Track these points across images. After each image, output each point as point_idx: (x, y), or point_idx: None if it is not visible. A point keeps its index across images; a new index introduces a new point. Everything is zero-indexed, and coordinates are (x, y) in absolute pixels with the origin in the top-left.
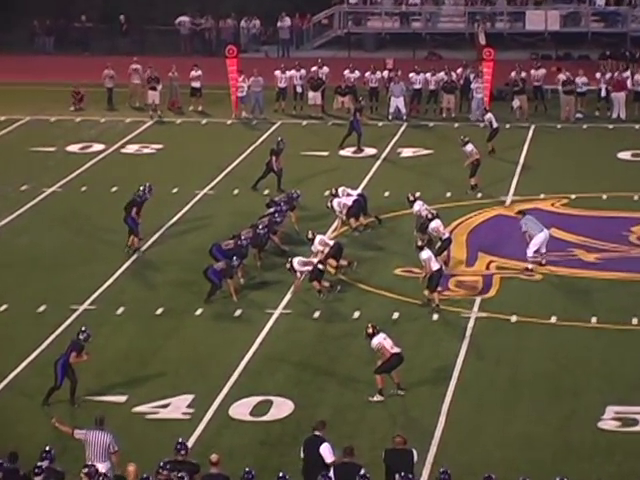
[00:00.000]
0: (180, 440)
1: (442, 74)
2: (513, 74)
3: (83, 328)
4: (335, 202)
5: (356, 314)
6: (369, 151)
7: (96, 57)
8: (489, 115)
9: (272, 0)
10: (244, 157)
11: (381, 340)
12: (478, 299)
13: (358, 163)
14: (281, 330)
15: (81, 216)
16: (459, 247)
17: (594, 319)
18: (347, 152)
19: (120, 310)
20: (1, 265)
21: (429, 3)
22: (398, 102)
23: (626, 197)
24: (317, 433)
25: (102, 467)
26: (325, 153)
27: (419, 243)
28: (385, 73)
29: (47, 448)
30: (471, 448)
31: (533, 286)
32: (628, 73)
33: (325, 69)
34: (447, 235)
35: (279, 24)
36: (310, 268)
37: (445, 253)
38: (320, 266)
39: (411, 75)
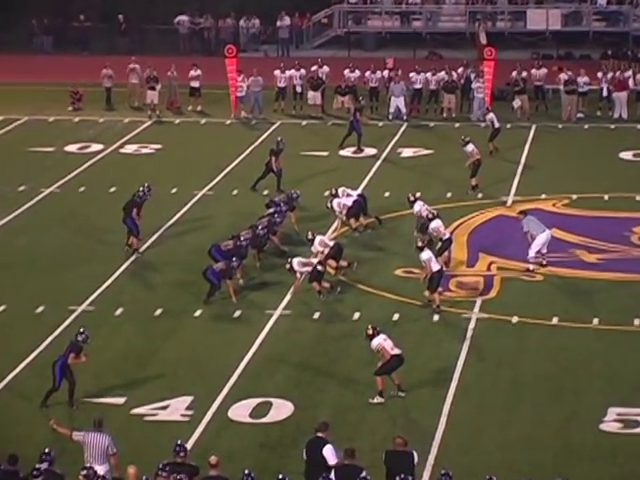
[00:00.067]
0: (179, 442)
1: (443, 74)
2: (514, 74)
3: (81, 329)
4: (335, 202)
5: (356, 315)
6: (369, 151)
7: (95, 57)
8: (491, 115)
9: None
10: (243, 157)
11: (381, 341)
12: (479, 300)
13: (358, 163)
14: (281, 331)
15: (79, 216)
16: (460, 248)
17: (596, 320)
18: (347, 152)
19: (119, 311)
20: None
21: (430, 2)
22: (398, 102)
23: (628, 197)
24: (320, 434)
25: (101, 469)
26: (325, 153)
27: (419, 244)
28: (385, 73)
29: (47, 450)
30: (472, 450)
31: (534, 287)
32: (630, 73)
33: (325, 69)
34: (448, 235)
35: (278, 23)
36: (310, 269)
37: (446, 254)
38: (319, 267)
39: (411, 75)
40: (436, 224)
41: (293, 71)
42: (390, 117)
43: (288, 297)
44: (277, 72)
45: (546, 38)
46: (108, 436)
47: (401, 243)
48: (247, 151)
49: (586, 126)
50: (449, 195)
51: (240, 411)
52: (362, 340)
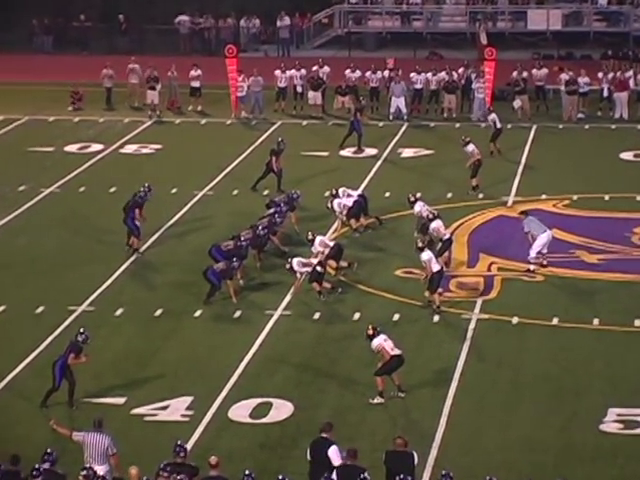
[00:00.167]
0: (179, 442)
1: (443, 74)
2: (514, 74)
3: (82, 329)
4: (335, 203)
5: (356, 315)
6: (370, 151)
7: (95, 56)
8: (493, 115)
9: None
10: (244, 157)
11: (381, 342)
12: (479, 300)
13: (358, 163)
14: (281, 331)
15: (80, 217)
16: (460, 248)
17: (596, 321)
18: (347, 152)
19: (119, 311)
20: None
21: (430, 2)
22: (399, 102)
23: (628, 198)
24: (324, 435)
25: (101, 469)
26: (325, 153)
27: (420, 244)
28: (386, 73)
29: (49, 450)
30: (472, 450)
31: (535, 287)
32: (631, 73)
33: (326, 69)
34: (448, 236)
35: (278, 23)
36: (310, 269)
37: (446, 254)
38: (319, 268)
39: (412, 75)
40: (436, 224)
41: (293, 71)
42: (390, 117)
43: (288, 297)
44: (277, 72)
45: (547, 38)
46: (108, 436)
47: (401, 243)
48: (247, 151)
49: (587, 126)
50: (449, 195)
51: (240, 411)
52: (362, 341)
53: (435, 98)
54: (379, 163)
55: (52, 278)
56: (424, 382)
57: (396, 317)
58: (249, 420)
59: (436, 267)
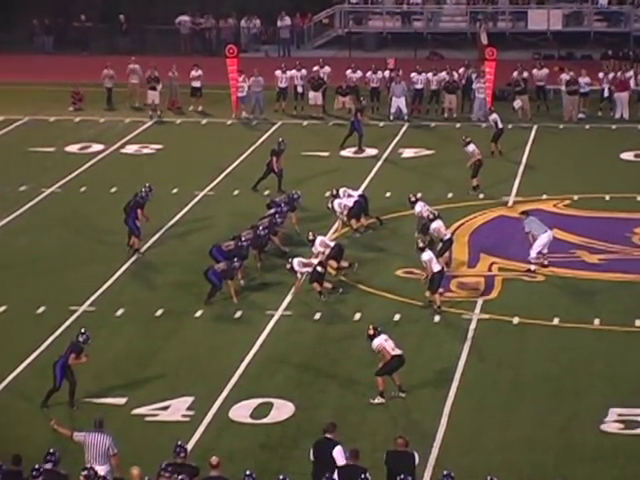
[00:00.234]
0: (179, 443)
1: (444, 74)
2: (515, 74)
3: (83, 330)
4: (336, 203)
5: (357, 316)
6: (370, 151)
7: (95, 57)
8: (494, 115)
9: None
10: (244, 157)
11: (382, 342)
12: (480, 300)
13: (359, 164)
14: (282, 332)
15: (80, 217)
16: (461, 248)
17: (597, 321)
18: (348, 152)
19: (120, 311)
20: (0, 266)
21: (431, 2)
22: (399, 102)
23: (629, 198)
24: (328, 436)
25: (101, 470)
26: (326, 153)
27: (420, 244)
28: (386, 73)
29: (51, 450)
30: (473, 450)
31: (535, 287)
32: (631, 73)
33: (327, 69)
34: (448, 236)
35: (279, 24)
36: (310, 269)
37: (447, 254)
38: (319, 268)
39: (412, 75)
40: (437, 225)
41: (294, 71)
42: (391, 117)
43: (289, 298)
44: (278, 72)
45: (547, 38)
46: (109, 436)
47: (402, 244)
48: (248, 151)
49: (587, 126)
50: (450, 195)
51: (241, 412)
52: (363, 341)
53: (436, 98)
54: (380, 163)
55: (53, 278)
56: (425, 382)
57: (397, 317)
58: (250, 420)
59: (437, 267)
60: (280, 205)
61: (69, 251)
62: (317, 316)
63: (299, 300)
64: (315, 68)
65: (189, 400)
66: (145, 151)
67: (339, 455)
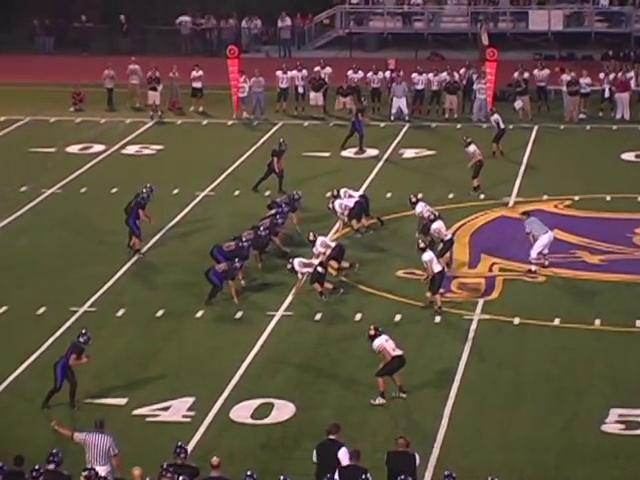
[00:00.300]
0: (179, 444)
1: (445, 74)
2: (516, 74)
3: (84, 331)
4: (337, 203)
5: (358, 316)
6: (371, 152)
7: (96, 57)
8: (496, 116)
9: (273, 0)
10: (245, 158)
11: (382, 342)
12: (481, 301)
13: (360, 164)
14: (282, 332)
15: (81, 217)
16: (462, 249)
17: (597, 321)
18: (349, 153)
19: (120, 312)
20: (0, 267)
21: (431, 3)
22: (400, 103)
23: (630, 198)
24: (332, 437)
25: (102, 470)
26: (327, 154)
27: (421, 245)
28: (387, 73)
29: (54, 451)
30: (473, 451)
31: (536, 288)
32: (632, 74)
33: (328, 69)
34: (449, 236)
35: (280, 24)
36: (311, 269)
37: (447, 255)
38: (320, 268)
39: (413, 75)
40: (438, 225)
41: (295, 72)
42: (392, 118)
43: (290, 298)
44: (279, 73)
45: (548, 39)
46: (110, 437)
47: (403, 244)
48: (249, 152)
49: (588, 127)
50: (451, 196)
51: (242, 412)
52: (364, 341)
53: (436, 99)
54: (380, 164)
55: (53, 279)
56: (425, 383)
57: (397, 318)
58: (250, 421)
59: (437, 268)
60: (281, 205)
61: (70, 252)
62: (318, 316)
63: (300, 300)
64: (316, 69)
65: (190, 400)
66: (146, 152)
67: (344, 457)
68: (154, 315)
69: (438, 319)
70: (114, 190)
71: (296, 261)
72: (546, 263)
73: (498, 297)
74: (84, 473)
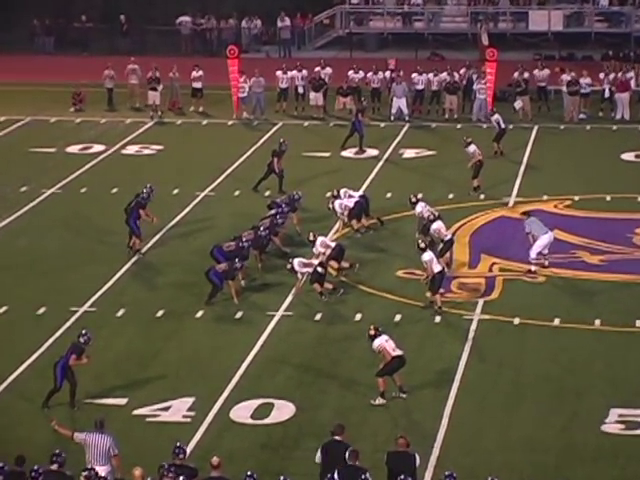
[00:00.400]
0: (178, 444)
1: (445, 75)
2: (516, 75)
3: (84, 331)
4: (337, 203)
5: (358, 316)
6: (371, 152)
7: (96, 57)
8: (496, 116)
9: (273, 0)
10: (245, 158)
11: (382, 342)
12: (481, 301)
13: (360, 164)
14: (282, 332)
15: (81, 217)
16: (462, 249)
17: (597, 321)
18: (349, 153)
19: (120, 312)
20: (0, 267)
21: (431, 3)
22: (400, 103)
23: (630, 198)
24: (338, 438)
25: (102, 470)
26: (327, 154)
27: (421, 245)
28: (387, 74)
29: (57, 451)
30: (473, 451)
31: (536, 288)
32: (632, 74)
33: (328, 70)
34: (449, 237)
35: (279, 24)
36: (311, 269)
37: (447, 255)
38: (319, 269)
39: (413, 76)
40: (438, 225)
41: (295, 72)
42: (392, 118)
43: (290, 298)
44: (279, 73)
45: (548, 39)
46: (110, 437)
47: (403, 244)
48: (249, 152)
49: (588, 127)
50: (451, 196)
51: (242, 412)
52: (364, 341)
53: (436, 99)
54: (380, 164)
55: (53, 279)
56: (425, 383)
57: (397, 318)
58: (251, 421)
59: (437, 268)
60: (281, 206)
61: (70, 252)
62: (318, 317)
63: (300, 301)
64: (316, 69)
65: (190, 401)
66: (146, 152)
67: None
68: (154, 315)
69: (438, 319)
70: (114, 190)
71: (296, 261)
72: (546, 263)
73: (498, 297)
74: (84, 473)
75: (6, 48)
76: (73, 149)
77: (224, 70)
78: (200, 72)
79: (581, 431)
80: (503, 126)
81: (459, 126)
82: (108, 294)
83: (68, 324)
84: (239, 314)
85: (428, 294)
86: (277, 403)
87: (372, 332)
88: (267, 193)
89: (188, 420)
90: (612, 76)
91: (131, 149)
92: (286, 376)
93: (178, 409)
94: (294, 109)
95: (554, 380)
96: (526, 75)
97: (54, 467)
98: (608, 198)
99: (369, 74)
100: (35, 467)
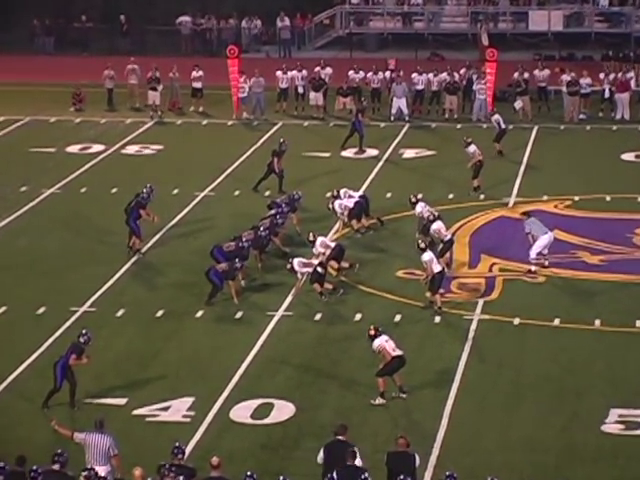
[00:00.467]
0: (177, 444)
1: (444, 75)
2: (516, 75)
3: (84, 331)
4: (336, 204)
5: (358, 316)
6: (371, 152)
7: (96, 57)
8: (497, 116)
9: (273, 0)
10: (245, 158)
11: (382, 342)
12: (481, 301)
13: (360, 164)
14: (282, 332)
15: (81, 217)
16: (461, 249)
17: (597, 321)
18: (349, 153)
19: (120, 312)
20: (0, 267)
21: (431, 3)
22: (400, 103)
23: (630, 199)
24: (341, 438)
25: (102, 470)
26: (327, 154)
27: (421, 245)
28: (387, 74)
29: (59, 451)
30: (473, 451)
31: (536, 288)
32: (632, 74)
33: (328, 70)
34: (449, 237)
35: (279, 24)
36: (310, 269)
37: (447, 255)
38: (319, 269)
39: (413, 76)
40: (437, 225)
41: (295, 72)
42: (392, 118)
43: (289, 298)
44: (279, 73)
45: (548, 39)
46: (109, 437)
47: (403, 244)
48: (249, 152)
49: (588, 127)
50: (451, 196)
51: (241, 412)
52: (364, 341)
53: (436, 99)
54: (380, 164)
55: (53, 279)
56: (425, 383)
57: (397, 318)
58: (250, 421)
59: (437, 268)
60: (281, 206)
61: (70, 252)
62: (318, 317)
63: (300, 301)
64: (316, 69)
65: (190, 401)
66: (146, 152)
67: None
68: (154, 315)
69: (438, 319)
70: (114, 190)
71: (296, 261)
72: (546, 263)
73: (498, 297)
74: (84, 473)
75: (6, 48)
76: (73, 149)
77: (224, 70)
78: (200, 72)
79: (581, 431)
80: (503, 126)
81: (459, 126)
82: (108, 294)
83: (68, 324)
84: (239, 314)
85: (428, 294)
86: (277, 403)
87: (372, 332)
88: (267, 193)
89: (188, 420)
90: (612, 76)
91: (131, 149)
92: (286, 376)
93: (178, 409)
94: (294, 109)
95: (554, 380)
96: (526, 75)
97: (56, 467)
98: (608, 198)
99: (369, 74)
100: (34, 467)
